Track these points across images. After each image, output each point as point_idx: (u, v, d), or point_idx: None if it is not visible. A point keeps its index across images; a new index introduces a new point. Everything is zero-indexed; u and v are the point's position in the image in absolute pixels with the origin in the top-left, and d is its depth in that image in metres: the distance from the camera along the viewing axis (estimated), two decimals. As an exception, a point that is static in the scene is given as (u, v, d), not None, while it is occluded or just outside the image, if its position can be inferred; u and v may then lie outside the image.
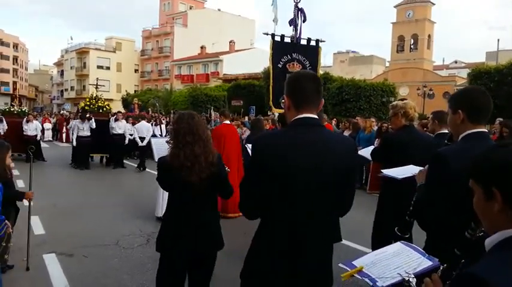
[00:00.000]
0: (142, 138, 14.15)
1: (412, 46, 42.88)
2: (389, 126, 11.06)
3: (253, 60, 39.45)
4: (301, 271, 2.02)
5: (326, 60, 58.65)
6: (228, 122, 8.29)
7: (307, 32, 55.87)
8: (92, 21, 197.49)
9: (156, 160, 3.16)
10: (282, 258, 2.02)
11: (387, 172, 3.43)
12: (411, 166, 3.24)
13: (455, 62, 57.97)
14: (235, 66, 45.18)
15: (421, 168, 2.70)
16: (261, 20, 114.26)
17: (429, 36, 42.71)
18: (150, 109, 26.44)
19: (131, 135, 14.84)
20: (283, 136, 2.15)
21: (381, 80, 28.37)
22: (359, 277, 1.79)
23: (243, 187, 2.14)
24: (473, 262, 1.15)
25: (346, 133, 12.59)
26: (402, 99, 4.90)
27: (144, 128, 14.61)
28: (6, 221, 3.91)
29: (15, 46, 75.89)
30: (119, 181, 12.15)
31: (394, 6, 43.62)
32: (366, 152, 4.98)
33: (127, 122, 15.40)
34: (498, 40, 37.68)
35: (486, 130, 2.35)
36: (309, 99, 2.14)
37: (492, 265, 1.09)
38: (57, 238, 6.17)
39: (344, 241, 6.10)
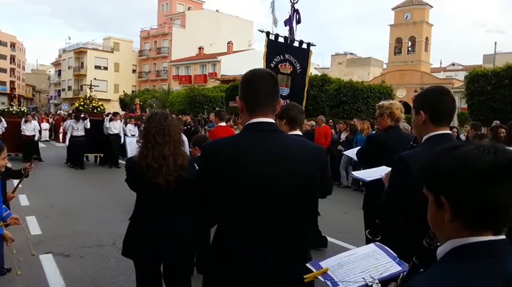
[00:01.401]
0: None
1: (409, 48, 42.96)
2: (376, 127, 11.12)
3: (251, 61, 39.19)
4: (264, 279, 1.91)
5: (324, 61, 58.75)
6: (223, 124, 7.71)
7: (305, 33, 55.92)
8: (89, 21, 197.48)
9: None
10: (242, 267, 1.91)
11: (357, 173, 3.42)
12: (383, 167, 3.17)
13: (453, 64, 58.12)
14: (233, 67, 45.16)
15: (389, 170, 2.61)
16: (259, 21, 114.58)
17: (427, 38, 42.80)
18: (147, 110, 26.40)
19: (133, 135, 14.81)
20: (234, 142, 2.02)
21: (379, 82, 28.40)
22: (322, 279, 1.70)
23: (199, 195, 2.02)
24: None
25: (344, 135, 12.66)
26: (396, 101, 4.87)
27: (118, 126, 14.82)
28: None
29: (13, 45, 75.69)
30: (114, 181, 12.13)
31: (392, 9, 43.70)
32: (351, 153, 4.97)
33: (129, 123, 15.59)
34: (495, 43, 38.06)
35: (450, 132, 2.27)
36: (264, 102, 1.96)
37: (433, 278, 1.04)
38: (53, 239, 6.16)
39: (337, 241, 6.23)
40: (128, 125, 15.88)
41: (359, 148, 4.74)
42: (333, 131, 13.48)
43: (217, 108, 22.11)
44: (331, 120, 16.65)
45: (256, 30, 8.90)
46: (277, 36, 8.96)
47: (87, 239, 6.17)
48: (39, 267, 5.04)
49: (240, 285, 1.94)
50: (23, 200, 8.43)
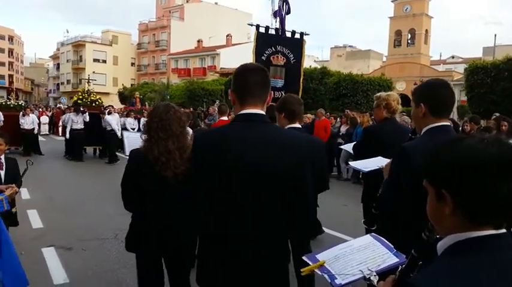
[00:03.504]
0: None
1: (409, 41, 42.85)
2: (373, 118, 11.10)
3: (250, 54, 39.14)
4: (250, 270, 1.98)
5: (323, 54, 58.57)
6: (225, 118, 7.64)
7: (303, 25, 55.66)
8: (88, 14, 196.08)
9: (128, 153, 3.08)
10: (232, 258, 1.98)
11: (354, 164, 3.40)
12: (379, 157, 3.18)
13: (452, 57, 57.98)
14: (232, 60, 44.86)
15: (389, 161, 2.65)
16: (258, 14, 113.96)
17: (426, 31, 42.67)
18: (147, 103, 26.39)
19: (133, 129, 15.18)
20: (221, 132, 2.13)
21: (378, 74, 28.40)
22: (319, 272, 1.69)
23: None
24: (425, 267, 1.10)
25: (344, 128, 12.65)
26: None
27: (114, 121, 14.83)
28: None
29: (11, 39, 75.35)
30: (114, 173, 12.10)
31: (392, 1, 43.51)
32: (348, 147, 4.95)
33: (129, 116, 15.85)
34: (495, 35, 37.94)
35: (449, 123, 2.30)
36: (252, 93, 2.04)
37: (433, 275, 1.02)
38: (55, 232, 6.19)
39: (334, 233, 6.26)
40: (128, 118, 16.08)
41: (355, 142, 4.72)
42: (332, 120, 13.48)
43: (217, 102, 22.06)
44: (328, 114, 16.63)
45: (255, 22, 8.84)
46: (267, 28, 8.89)
47: (88, 232, 6.20)
48: (42, 260, 5.06)
49: (226, 276, 2.01)
50: (24, 193, 8.44)
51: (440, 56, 60.23)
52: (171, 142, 2.76)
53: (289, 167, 1.96)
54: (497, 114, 10.57)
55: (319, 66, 29.96)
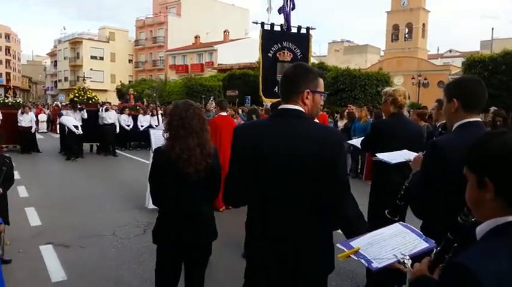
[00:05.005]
0: (75, 127, 14.27)
1: (406, 35, 42.83)
2: (372, 112, 11.10)
3: (248, 49, 39.19)
4: (287, 259, 2.08)
5: (321, 49, 58.46)
6: (224, 113, 7.59)
7: (301, 20, 55.49)
8: (84, 10, 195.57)
9: (153, 150, 3.13)
10: (270, 245, 2.10)
11: (381, 156, 3.41)
12: (405, 151, 3.21)
13: (450, 51, 57.93)
14: (229, 56, 44.96)
15: (416, 154, 2.68)
16: (256, 9, 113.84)
17: (424, 25, 42.65)
18: (145, 99, 26.33)
19: (128, 125, 15.79)
20: (256, 124, 2.30)
21: (376, 69, 28.36)
22: (355, 258, 1.79)
23: (227, 176, 2.21)
24: (465, 248, 1.16)
25: (341, 123, 12.63)
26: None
27: (72, 119, 14.81)
28: None
29: (7, 36, 75.08)
30: (112, 170, 12.17)
31: (389, -5, 43.48)
32: (357, 141, 4.96)
33: (123, 113, 16.14)
34: (492, 29, 37.84)
35: (480, 119, 2.35)
36: (284, 91, 2.20)
37: (481, 255, 1.09)
38: (53, 229, 6.18)
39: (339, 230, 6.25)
40: (123, 115, 16.25)
41: (363, 137, 4.73)
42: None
43: (211, 98, 22.04)
44: (326, 109, 16.62)
45: (252, 18, 8.86)
46: (272, 25, 8.88)
47: (86, 229, 6.19)
48: (40, 258, 5.06)
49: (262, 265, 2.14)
50: (22, 191, 8.45)
51: (438, 50, 60.29)
52: (191, 139, 2.84)
53: (324, 158, 2.05)
54: (495, 108, 10.57)
55: (316, 61, 29.93)
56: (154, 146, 5.15)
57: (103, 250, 5.41)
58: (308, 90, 2.14)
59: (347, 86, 23.18)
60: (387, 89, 4.22)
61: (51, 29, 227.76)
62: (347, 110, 12.89)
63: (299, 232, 2.06)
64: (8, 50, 74.87)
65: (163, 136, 2.98)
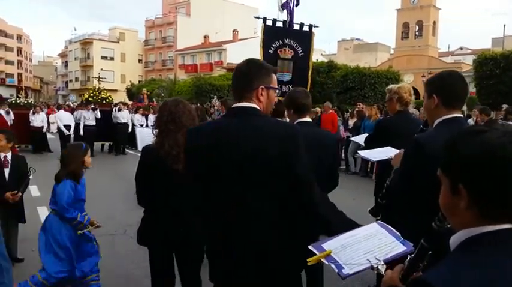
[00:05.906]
0: (67, 127, 14.66)
1: (417, 33, 42.48)
2: (382, 110, 11.03)
3: (257, 49, 38.93)
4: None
5: (330, 48, 58.25)
6: None
7: (309, 18, 55.38)
8: (94, 11, 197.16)
9: (140, 149, 3.11)
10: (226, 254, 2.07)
11: (362, 153, 3.38)
12: (388, 147, 3.17)
13: (461, 48, 57.39)
14: (238, 55, 44.69)
15: (398, 151, 2.65)
16: (265, 8, 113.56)
17: (434, 22, 42.27)
18: (154, 99, 26.47)
19: (142, 125, 15.86)
20: (212, 124, 2.26)
21: (386, 67, 28.18)
22: (326, 262, 1.67)
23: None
24: (438, 257, 1.09)
25: (351, 121, 12.60)
26: None
27: (66, 117, 15.19)
28: None
29: (19, 37, 75.85)
30: (122, 169, 12.24)
31: (399, -7, 43.17)
32: (360, 139, 4.91)
33: (137, 113, 16.51)
34: (504, 26, 37.29)
35: (462, 115, 2.30)
36: (238, 89, 2.14)
37: (450, 271, 0.98)
38: (65, 228, 6.22)
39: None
40: (136, 115, 16.41)
41: (367, 134, 4.69)
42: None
43: (215, 98, 22.12)
44: (335, 107, 16.57)
45: (261, 17, 8.77)
46: (275, 21, 8.78)
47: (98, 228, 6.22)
48: (52, 256, 5.09)
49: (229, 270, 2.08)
50: (34, 190, 8.53)
51: (449, 47, 59.75)
52: (181, 135, 2.75)
53: (281, 155, 1.99)
54: (506, 105, 10.46)
55: (326, 60, 29.82)
56: (140, 143, 5.08)
57: (114, 248, 5.46)
58: (262, 87, 2.08)
59: (357, 84, 23.07)
60: (391, 86, 4.18)
61: (62, 30, 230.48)
62: (357, 109, 12.84)
63: (263, 232, 2.01)
64: (20, 51, 75.64)
65: (153, 133, 2.93)
